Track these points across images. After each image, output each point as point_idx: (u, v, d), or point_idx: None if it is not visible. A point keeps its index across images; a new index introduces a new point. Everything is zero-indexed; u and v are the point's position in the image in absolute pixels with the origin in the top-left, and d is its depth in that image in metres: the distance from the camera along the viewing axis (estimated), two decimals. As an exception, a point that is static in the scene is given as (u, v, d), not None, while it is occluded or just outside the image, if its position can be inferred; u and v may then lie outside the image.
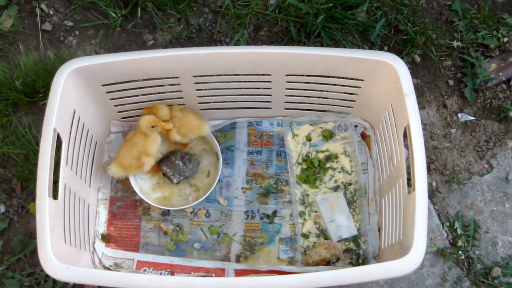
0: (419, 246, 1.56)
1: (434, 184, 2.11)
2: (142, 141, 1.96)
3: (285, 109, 2.10)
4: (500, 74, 2.22)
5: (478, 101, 2.22)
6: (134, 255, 2.00)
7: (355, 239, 1.99)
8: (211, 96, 2.02)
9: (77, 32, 2.31)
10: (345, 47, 2.22)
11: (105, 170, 2.01)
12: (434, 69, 2.26)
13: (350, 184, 2.06)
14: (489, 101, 2.22)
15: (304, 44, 2.25)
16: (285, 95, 2.02)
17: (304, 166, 2.09)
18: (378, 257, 1.95)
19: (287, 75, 1.91)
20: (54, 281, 1.98)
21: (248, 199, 2.06)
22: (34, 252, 2.00)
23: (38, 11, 2.32)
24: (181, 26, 2.31)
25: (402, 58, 2.03)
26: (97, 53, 2.28)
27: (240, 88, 1.99)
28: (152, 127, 1.94)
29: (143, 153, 1.96)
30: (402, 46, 2.26)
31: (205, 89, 1.98)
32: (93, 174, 2.00)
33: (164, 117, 1.97)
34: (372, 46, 2.27)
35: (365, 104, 2.01)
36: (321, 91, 1.98)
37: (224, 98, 2.04)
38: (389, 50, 2.26)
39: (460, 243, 2.03)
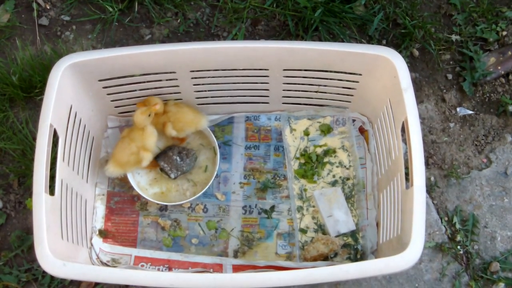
0: (417, 242, 1.56)
1: (432, 178, 2.10)
2: (139, 136, 1.95)
3: (283, 103, 2.10)
4: (499, 68, 2.21)
5: (477, 95, 2.21)
6: (132, 250, 2.00)
7: (353, 234, 1.99)
8: (208, 91, 2.02)
9: (74, 27, 2.30)
10: (343, 41, 2.22)
11: (102, 166, 2.00)
12: (432, 63, 2.25)
13: (348, 179, 2.06)
14: (488, 95, 2.21)
15: (302, 38, 2.24)
16: (283, 90, 2.02)
17: (302, 160, 2.08)
18: (376, 252, 1.95)
19: (284, 69, 1.90)
20: (52, 277, 1.98)
21: (245, 194, 2.06)
22: (31, 247, 1.99)
23: (34, 5, 2.31)
24: (178, 21, 2.30)
25: (400, 52, 2.04)
26: (94, 47, 2.27)
27: (238, 83, 1.98)
28: (149, 115, 1.94)
29: (141, 148, 1.95)
30: (401, 40, 2.25)
31: (202, 84, 1.98)
32: (90, 169, 2.00)
33: (158, 110, 1.96)
34: (370, 40, 2.26)
35: (363, 98, 2.00)
36: (319, 85, 1.98)
37: (221, 93, 2.03)
38: (387, 44, 2.26)
39: (458, 238, 2.02)
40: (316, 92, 2.01)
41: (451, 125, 2.17)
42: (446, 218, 2.06)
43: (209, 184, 2.01)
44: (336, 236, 1.97)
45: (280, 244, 2.00)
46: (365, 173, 2.06)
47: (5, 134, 2.12)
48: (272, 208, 2.04)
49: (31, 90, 2.15)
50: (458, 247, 2.02)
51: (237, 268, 1.95)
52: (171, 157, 2.03)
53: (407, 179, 1.70)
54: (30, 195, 2.04)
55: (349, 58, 1.83)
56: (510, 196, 2.08)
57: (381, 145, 1.96)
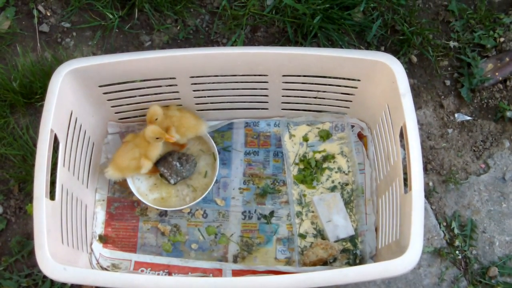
0: (416, 246, 1.56)
1: (431, 184, 2.11)
2: (145, 144, 1.96)
3: (282, 109, 2.11)
4: (497, 74, 2.22)
5: (475, 101, 2.22)
6: (132, 255, 2.00)
7: (352, 239, 1.99)
8: (208, 96, 2.02)
9: (74, 34, 2.31)
10: (341, 48, 2.23)
11: (103, 171, 2.01)
12: (430, 69, 2.26)
13: (347, 184, 2.06)
14: (485, 101, 2.22)
15: (301, 45, 2.25)
16: (282, 96, 2.02)
17: (301, 166, 2.09)
18: (375, 257, 1.96)
19: (283, 75, 1.91)
20: (52, 282, 1.98)
21: (245, 200, 2.06)
22: (31, 253, 2.00)
23: (35, 12, 2.32)
24: (178, 27, 2.31)
25: (398, 58, 2.04)
26: (94, 54, 2.28)
27: (237, 89, 1.99)
28: (157, 138, 1.94)
29: (143, 155, 1.96)
30: (399, 46, 2.26)
31: (202, 90, 1.98)
32: (91, 175, 2.00)
33: (159, 116, 1.96)
34: (368, 46, 2.27)
35: (362, 104, 2.01)
36: (318, 91, 1.98)
37: (221, 99, 2.04)
38: (385, 51, 2.27)
39: (457, 243, 2.03)
40: (315, 98, 2.02)
41: (449, 131, 2.18)
42: (445, 223, 2.07)
43: (209, 189, 2.01)
44: (335, 241, 1.98)
45: (279, 249, 2.01)
46: (364, 179, 2.07)
47: (6, 140, 2.13)
48: (272, 213, 2.05)
49: (32, 96, 2.16)
50: (457, 252, 2.03)
51: (236, 273, 1.96)
52: (171, 163, 2.04)
53: (405, 184, 1.70)
54: (30, 200, 2.05)
55: (348, 64, 1.84)
56: (508, 201, 2.09)
57: (380, 151, 1.97)
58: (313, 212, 2.03)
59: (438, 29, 2.31)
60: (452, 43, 2.28)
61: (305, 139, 2.12)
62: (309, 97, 2.02)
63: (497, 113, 2.20)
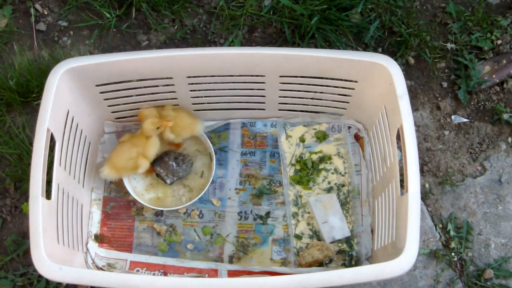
0: (412, 248, 1.56)
1: (427, 185, 2.11)
2: (142, 143, 1.95)
3: (279, 110, 2.11)
4: (494, 76, 2.22)
5: (472, 103, 2.23)
6: (127, 255, 2.00)
7: (348, 240, 1.99)
8: (205, 97, 2.02)
9: (71, 32, 2.31)
10: (339, 49, 2.23)
11: (99, 171, 2.00)
12: (428, 71, 2.26)
13: (343, 186, 2.06)
14: (482, 103, 2.22)
15: (298, 46, 2.25)
16: (279, 96, 2.02)
17: (298, 167, 2.09)
18: (371, 259, 1.96)
19: (281, 76, 1.91)
20: (47, 282, 1.98)
21: (241, 200, 2.06)
22: (27, 252, 1.99)
23: (32, 11, 2.31)
24: (176, 27, 2.31)
25: (396, 60, 2.04)
26: (91, 53, 2.28)
27: (234, 89, 1.99)
28: (157, 128, 1.94)
29: (141, 154, 1.96)
30: (396, 48, 2.27)
31: (199, 90, 1.98)
32: (87, 174, 2.00)
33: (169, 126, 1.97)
34: (366, 47, 2.27)
35: (359, 105, 2.01)
36: (315, 92, 1.98)
37: (218, 99, 2.04)
38: (383, 52, 2.27)
39: (453, 245, 2.03)
40: (312, 99, 2.02)
41: (446, 133, 2.18)
42: (441, 225, 2.07)
43: (205, 190, 2.01)
44: (331, 242, 1.98)
45: (275, 250, 2.00)
46: (360, 180, 2.07)
47: (2, 139, 2.12)
48: (268, 214, 2.05)
49: (28, 95, 2.16)
50: (452, 254, 2.03)
51: (232, 274, 1.96)
52: (167, 163, 2.03)
53: (402, 186, 1.70)
54: (26, 199, 2.05)
55: (345, 65, 1.84)
56: (504, 203, 2.09)
57: (376, 152, 1.97)
58: (309, 213, 2.03)
59: (436, 31, 2.31)
60: (449, 45, 2.28)
61: (302, 140, 2.12)
62: (306, 98, 2.02)
63: (493, 115, 2.20)
